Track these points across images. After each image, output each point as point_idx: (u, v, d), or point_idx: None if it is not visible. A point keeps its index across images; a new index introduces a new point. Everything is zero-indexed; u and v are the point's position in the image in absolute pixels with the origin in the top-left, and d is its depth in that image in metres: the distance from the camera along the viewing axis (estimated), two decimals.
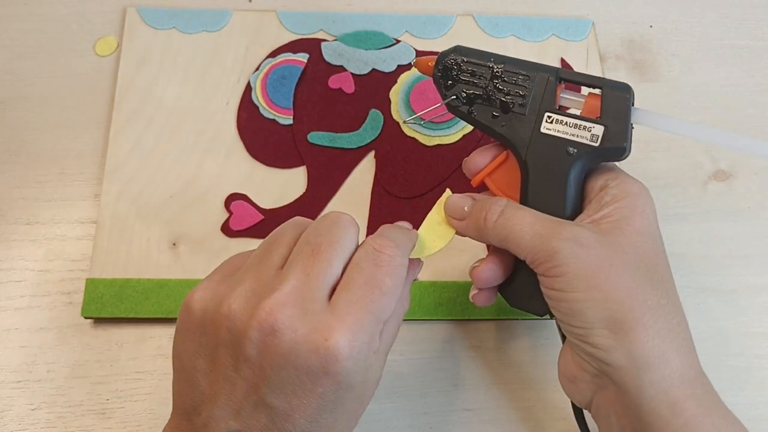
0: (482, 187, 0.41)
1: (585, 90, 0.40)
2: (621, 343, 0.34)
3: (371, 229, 0.48)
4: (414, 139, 0.51)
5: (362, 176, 0.50)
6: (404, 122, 0.48)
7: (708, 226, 0.51)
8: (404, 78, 0.53)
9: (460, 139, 0.51)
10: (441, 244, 0.39)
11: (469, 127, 0.51)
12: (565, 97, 0.39)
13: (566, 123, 0.38)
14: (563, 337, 0.38)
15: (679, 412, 0.33)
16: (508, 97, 0.39)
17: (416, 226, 0.49)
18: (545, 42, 0.56)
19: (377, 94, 0.53)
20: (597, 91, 0.39)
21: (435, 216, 0.40)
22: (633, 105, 0.38)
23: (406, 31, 0.55)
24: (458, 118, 0.51)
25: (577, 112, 0.39)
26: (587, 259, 0.34)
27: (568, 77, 0.40)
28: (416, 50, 0.54)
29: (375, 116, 0.52)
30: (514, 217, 0.37)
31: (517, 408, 0.44)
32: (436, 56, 0.41)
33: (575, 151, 0.38)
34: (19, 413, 0.43)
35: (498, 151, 0.41)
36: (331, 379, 0.30)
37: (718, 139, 0.38)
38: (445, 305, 0.46)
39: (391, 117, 0.52)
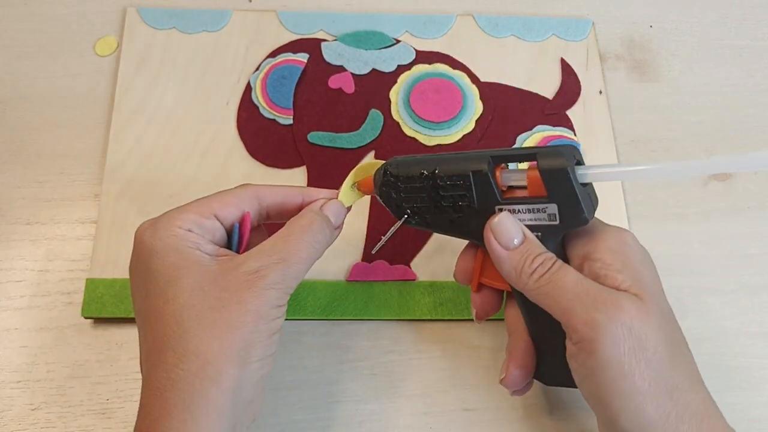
0: (484, 289, 0.41)
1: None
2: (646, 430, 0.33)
3: (371, 231, 0.48)
4: (414, 139, 0.51)
5: None
6: (374, 252, 0.44)
7: (708, 226, 0.51)
8: (404, 78, 0.53)
9: (461, 139, 0.51)
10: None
11: (470, 127, 0.51)
12: (507, 176, 0.37)
13: (519, 211, 0.37)
14: None
15: None
16: (455, 201, 0.38)
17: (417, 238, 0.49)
18: (545, 42, 0.56)
19: (377, 94, 0.53)
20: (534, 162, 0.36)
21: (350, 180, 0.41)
22: (577, 164, 0.35)
23: (406, 31, 0.55)
24: (459, 119, 0.51)
25: (525, 188, 0.37)
26: (624, 342, 0.33)
27: (501, 159, 0.37)
28: (416, 50, 0.54)
29: (375, 116, 0.52)
30: (559, 272, 0.35)
31: (517, 408, 0.44)
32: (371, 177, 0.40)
33: (539, 234, 0.37)
34: (19, 413, 0.43)
35: (475, 249, 0.40)
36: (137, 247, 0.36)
37: (666, 173, 0.34)
38: (444, 305, 0.46)
39: (391, 117, 0.52)
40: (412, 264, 0.48)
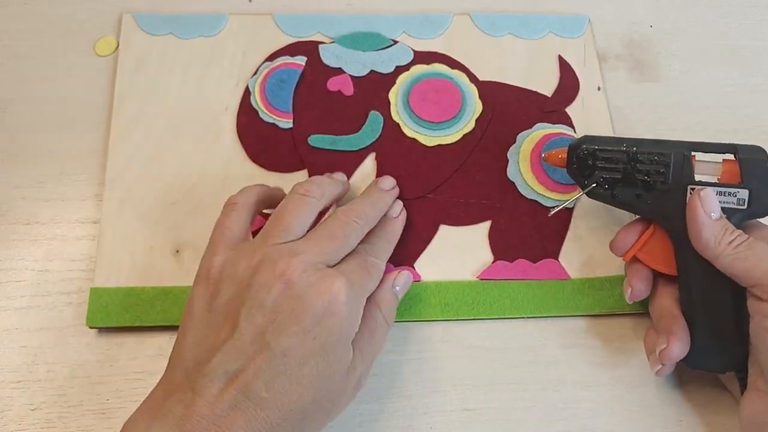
0: (634, 262, 0.44)
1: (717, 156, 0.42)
2: None
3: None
4: (414, 140, 0.51)
5: (364, 178, 0.50)
6: (550, 216, 0.48)
7: None
8: (403, 79, 0.53)
9: (461, 139, 0.51)
10: None
11: (470, 127, 0.51)
12: (701, 165, 0.42)
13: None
14: (744, 387, 0.40)
15: None
16: (649, 177, 0.42)
17: (418, 226, 0.48)
18: (542, 39, 0.56)
19: (376, 96, 0.53)
20: (730, 156, 0.42)
21: None
22: None
23: (403, 32, 0.55)
24: (459, 118, 0.51)
25: (714, 179, 0.41)
26: None
27: (701, 148, 0.42)
28: (414, 50, 0.54)
29: (375, 118, 0.52)
30: (756, 247, 0.39)
31: (517, 408, 0.44)
32: (566, 149, 0.44)
33: (726, 216, 0.40)
34: (19, 413, 0.43)
35: (643, 226, 0.43)
36: (329, 320, 0.36)
37: None
38: (451, 305, 0.46)
39: (391, 118, 0.52)
40: (416, 265, 0.47)
